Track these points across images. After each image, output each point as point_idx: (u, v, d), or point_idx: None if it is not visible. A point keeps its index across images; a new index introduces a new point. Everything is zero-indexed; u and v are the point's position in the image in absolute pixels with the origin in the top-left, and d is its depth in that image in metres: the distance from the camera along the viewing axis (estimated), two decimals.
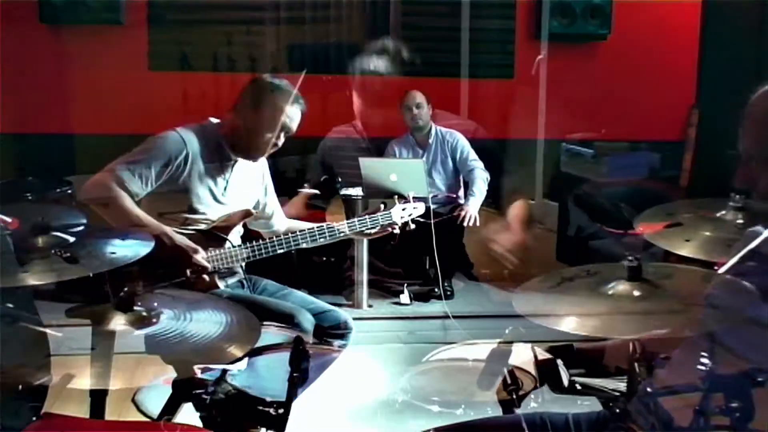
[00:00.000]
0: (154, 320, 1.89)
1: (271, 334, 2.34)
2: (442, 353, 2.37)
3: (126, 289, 1.90)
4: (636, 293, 1.77)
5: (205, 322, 1.95)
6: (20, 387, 2.04)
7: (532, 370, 2.01)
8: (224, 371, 1.98)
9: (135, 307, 1.90)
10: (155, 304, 1.95)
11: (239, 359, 1.95)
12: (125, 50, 4.61)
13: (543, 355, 2.01)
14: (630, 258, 1.80)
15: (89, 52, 4.52)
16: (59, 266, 1.93)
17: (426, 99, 4.33)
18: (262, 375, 2.09)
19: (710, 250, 2.07)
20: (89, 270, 1.93)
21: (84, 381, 1.90)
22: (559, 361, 1.96)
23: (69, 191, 4.07)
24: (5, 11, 4.07)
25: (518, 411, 1.94)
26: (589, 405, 2.05)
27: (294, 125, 3.03)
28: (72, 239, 2.04)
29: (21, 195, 3.84)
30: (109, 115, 4.47)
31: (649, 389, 1.67)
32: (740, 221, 2.18)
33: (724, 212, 2.23)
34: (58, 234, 2.04)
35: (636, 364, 1.74)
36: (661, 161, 5.00)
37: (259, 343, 2.01)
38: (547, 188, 4.92)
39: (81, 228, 2.12)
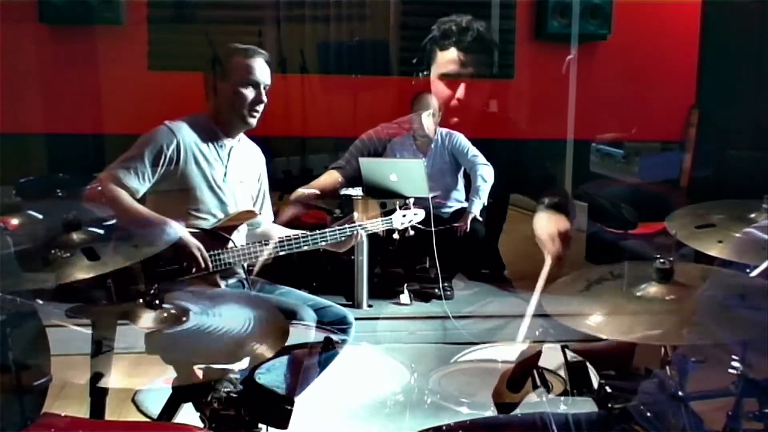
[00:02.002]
0: (184, 318, 1.86)
1: None
2: (471, 354, 2.35)
3: (156, 285, 1.86)
4: (668, 296, 1.74)
5: (234, 320, 1.90)
6: (20, 387, 2.04)
7: (561, 372, 1.99)
8: (253, 369, 1.96)
9: (164, 305, 1.86)
10: (181, 301, 1.92)
11: (269, 359, 1.93)
12: (125, 50, 4.61)
13: (573, 357, 1.98)
14: (662, 260, 1.78)
15: (89, 52, 4.52)
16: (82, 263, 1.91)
17: (439, 107, 4.21)
18: (287, 374, 2.08)
19: (742, 252, 2.06)
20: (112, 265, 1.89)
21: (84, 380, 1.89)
22: (589, 364, 1.93)
23: (99, 187, 4.09)
24: (5, 11, 4.06)
25: (517, 411, 1.93)
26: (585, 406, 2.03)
27: (265, 76, 3.12)
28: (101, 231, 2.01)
29: (51, 191, 3.87)
30: (109, 114, 4.46)
31: (651, 390, 1.66)
32: None
33: (755, 214, 2.20)
34: (89, 229, 2.03)
35: (667, 367, 1.72)
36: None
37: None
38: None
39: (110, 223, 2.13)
